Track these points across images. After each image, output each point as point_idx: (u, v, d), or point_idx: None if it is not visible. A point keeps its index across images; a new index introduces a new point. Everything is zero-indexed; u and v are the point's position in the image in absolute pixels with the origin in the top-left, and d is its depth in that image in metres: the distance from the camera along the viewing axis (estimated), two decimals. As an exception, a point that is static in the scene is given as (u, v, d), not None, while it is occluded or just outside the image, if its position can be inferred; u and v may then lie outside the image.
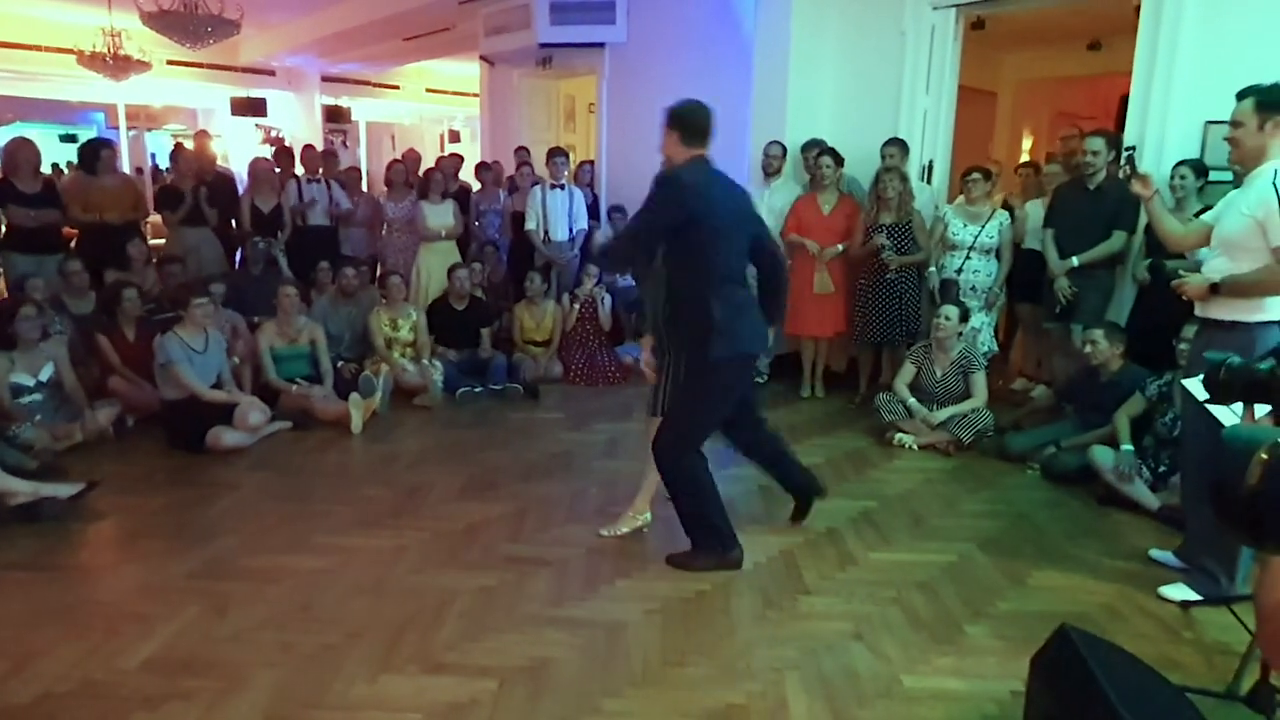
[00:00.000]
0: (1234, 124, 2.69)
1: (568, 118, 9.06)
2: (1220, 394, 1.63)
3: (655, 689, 2.38)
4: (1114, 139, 4.56)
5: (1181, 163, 4.21)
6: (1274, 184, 2.59)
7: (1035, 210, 5.10)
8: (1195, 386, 2.35)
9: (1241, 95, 2.69)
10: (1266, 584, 1.07)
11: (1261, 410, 1.70)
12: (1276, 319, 2.69)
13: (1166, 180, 4.19)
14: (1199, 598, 2.84)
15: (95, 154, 5.81)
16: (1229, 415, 2.17)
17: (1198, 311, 2.89)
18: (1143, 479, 3.66)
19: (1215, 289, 2.72)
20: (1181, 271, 2.98)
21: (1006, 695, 2.33)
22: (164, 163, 11.11)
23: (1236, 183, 2.94)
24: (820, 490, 3.49)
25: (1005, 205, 5.56)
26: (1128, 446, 3.70)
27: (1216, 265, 2.78)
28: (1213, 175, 4.16)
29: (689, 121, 2.90)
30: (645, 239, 2.93)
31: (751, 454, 3.43)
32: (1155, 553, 3.19)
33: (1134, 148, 4.30)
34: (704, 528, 3.07)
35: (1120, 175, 4.39)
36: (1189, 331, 3.25)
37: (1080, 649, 1.87)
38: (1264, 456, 0.94)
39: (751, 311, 2.99)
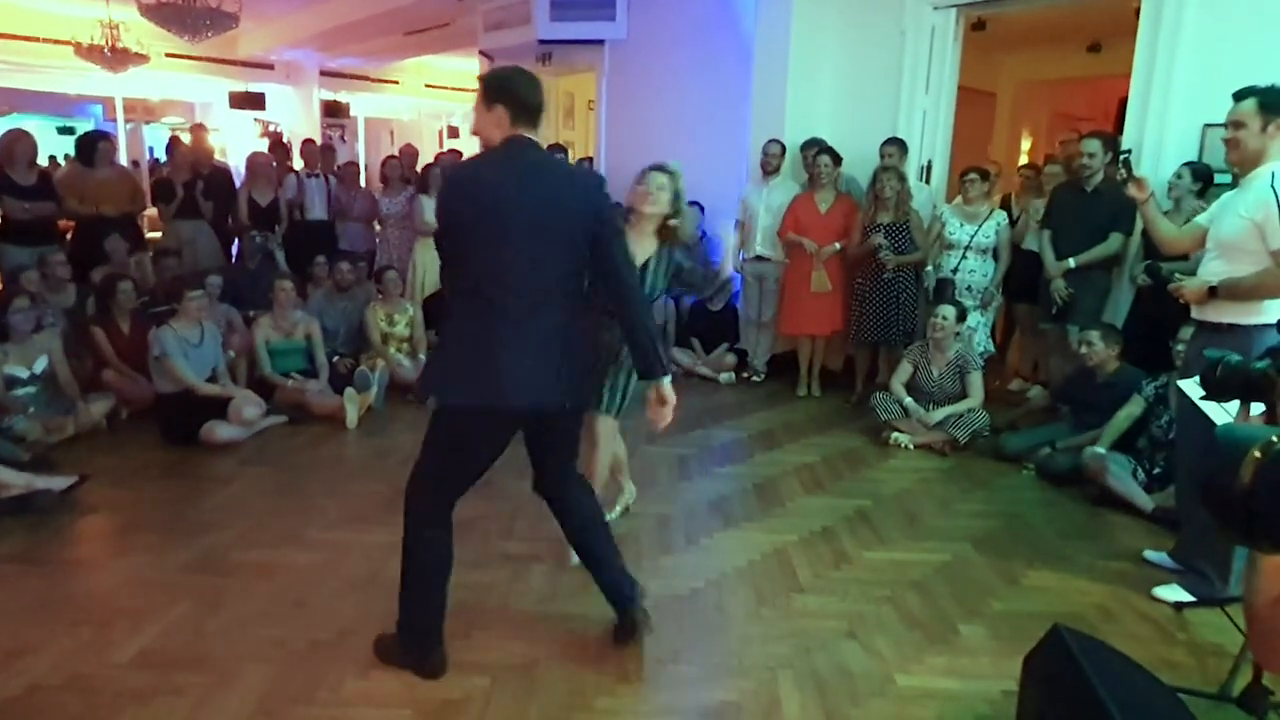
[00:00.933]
0: (1235, 124, 2.66)
1: (567, 114, 9.04)
2: (1215, 391, 1.63)
3: (648, 687, 2.38)
4: (1111, 141, 4.56)
5: (1184, 164, 4.21)
6: (1273, 186, 2.57)
7: (1037, 210, 5.10)
8: (1191, 387, 2.35)
9: (1240, 95, 2.66)
10: (1256, 585, 1.06)
11: (1256, 409, 1.70)
12: (1273, 321, 2.68)
13: (1166, 183, 4.19)
14: (1192, 599, 2.84)
15: (93, 146, 5.80)
16: (1222, 414, 2.17)
17: (1194, 314, 2.88)
18: (1137, 480, 3.67)
19: (1213, 292, 2.70)
20: (1178, 275, 2.97)
21: (999, 695, 2.33)
22: (162, 156, 11.08)
23: (1233, 184, 2.93)
24: (633, 609, 2.45)
25: (1005, 205, 5.55)
26: (1099, 449, 3.73)
27: (1214, 268, 2.77)
28: (1217, 179, 4.15)
29: (521, 95, 2.24)
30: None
31: (562, 519, 2.59)
32: (1149, 554, 3.19)
33: (1130, 150, 4.30)
34: (408, 609, 2.34)
35: (1117, 178, 4.39)
36: (1186, 334, 3.25)
37: (1073, 649, 1.86)
38: (1257, 455, 0.94)
39: (526, 350, 2.17)
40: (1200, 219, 3.00)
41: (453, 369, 2.21)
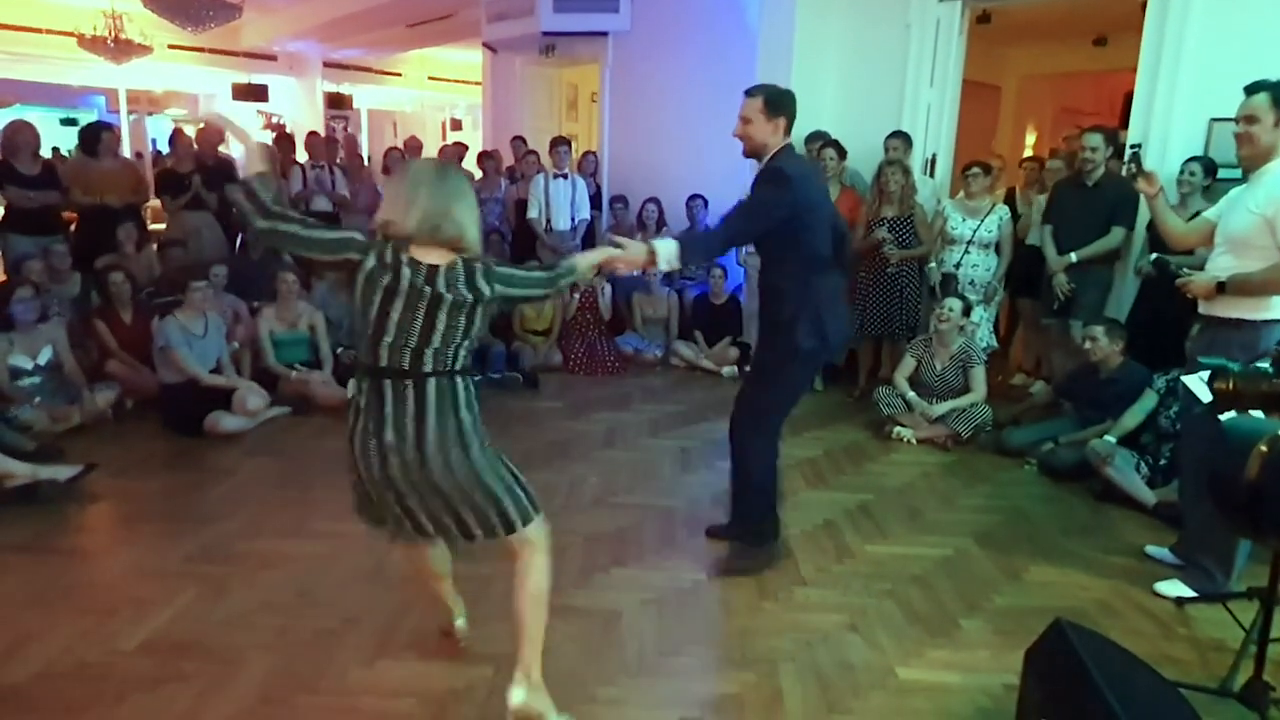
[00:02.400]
0: (1247, 119, 2.63)
1: (570, 106, 9.03)
2: (1232, 404, 1.60)
3: (650, 678, 2.39)
4: (1112, 135, 4.55)
5: (1192, 159, 4.20)
6: None
7: (1039, 205, 5.09)
8: (1195, 384, 2.35)
9: (1252, 90, 2.63)
10: None
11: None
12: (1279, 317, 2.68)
13: (1174, 177, 4.18)
14: (1194, 594, 2.84)
15: (96, 137, 5.79)
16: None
17: (1201, 309, 2.87)
18: (1141, 475, 3.67)
19: (1222, 287, 2.69)
20: (1185, 270, 2.96)
21: (1000, 688, 2.34)
22: (164, 148, 11.06)
23: (1241, 179, 2.91)
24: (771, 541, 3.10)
25: (1010, 199, 5.54)
26: (1110, 439, 3.75)
27: (1222, 263, 2.76)
28: (1221, 174, 4.14)
29: (788, 107, 2.85)
30: (748, 233, 2.91)
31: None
32: (1151, 549, 3.19)
33: (1139, 146, 4.29)
34: (747, 514, 3.03)
35: (1125, 173, 4.37)
36: (1196, 330, 3.23)
37: (1074, 644, 1.87)
38: (1264, 449, 0.94)
39: (838, 303, 2.96)
40: (1208, 214, 2.99)
41: (813, 323, 2.80)
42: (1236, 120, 2.70)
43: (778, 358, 2.91)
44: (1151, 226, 4.31)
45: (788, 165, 2.79)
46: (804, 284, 2.80)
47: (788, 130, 2.86)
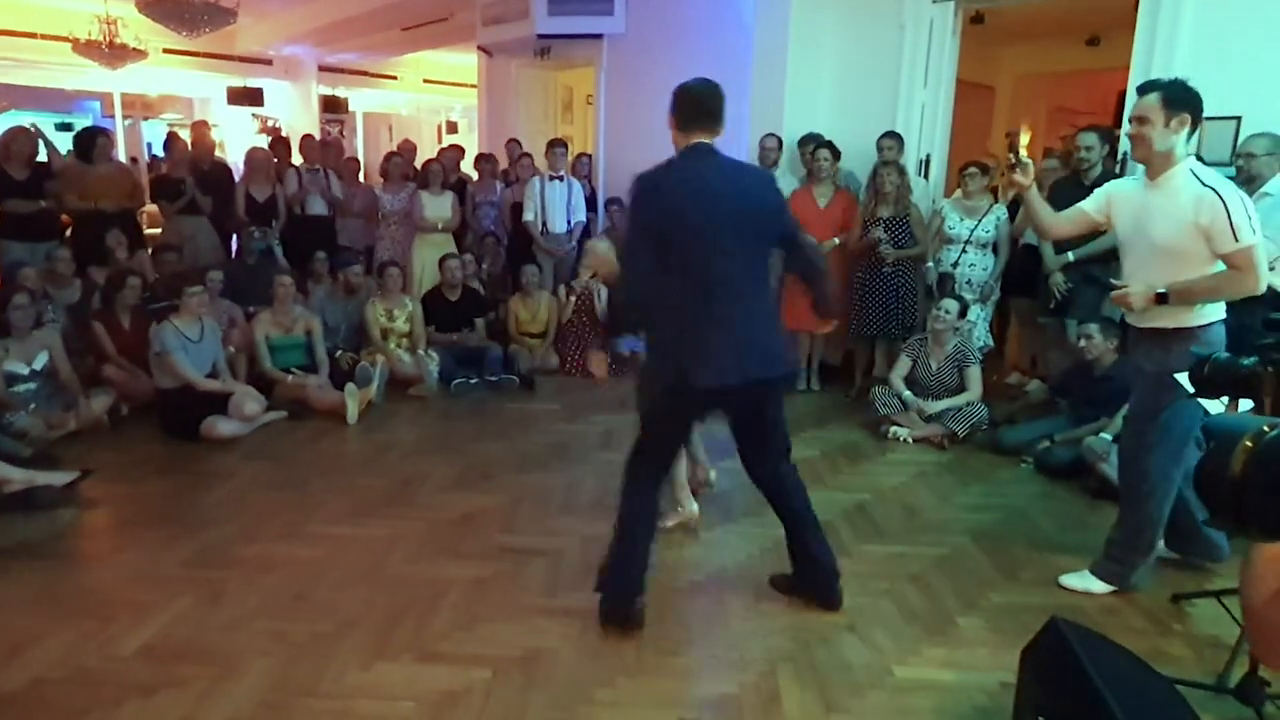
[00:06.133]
0: (1139, 120, 2.56)
1: (565, 109, 9.03)
2: (1204, 388, 1.64)
3: (648, 679, 2.39)
4: (1107, 134, 4.56)
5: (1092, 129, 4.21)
6: (1211, 186, 2.47)
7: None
8: (1182, 379, 2.36)
9: (1144, 89, 2.58)
10: (1251, 578, 1.07)
11: (1246, 403, 1.71)
12: (1219, 319, 2.61)
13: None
14: (1109, 587, 2.86)
15: (91, 142, 5.79)
16: (1214, 405, 2.18)
17: (1132, 321, 2.75)
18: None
19: (1163, 298, 2.56)
20: (1113, 281, 2.84)
21: (997, 686, 2.35)
22: (160, 153, 11.06)
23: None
24: (831, 586, 2.75)
25: (997, 198, 5.54)
26: (1105, 436, 3.78)
27: (1147, 274, 2.64)
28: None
29: (680, 100, 2.56)
30: (632, 262, 2.49)
31: (772, 499, 2.82)
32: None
33: (1016, 132, 4.27)
34: (611, 563, 2.64)
35: (1008, 161, 4.36)
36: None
37: (1071, 641, 1.88)
38: (1248, 444, 0.95)
39: (732, 334, 2.44)
40: (1085, 205, 2.90)
41: (670, 358, 2.48)
42: (1130, 121, 2.63)
43: (643, 392, 2.66)
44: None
45: (646, 175, 2.46)
46: (672, 311, 2.43)
47: (681, 127, 2.55)
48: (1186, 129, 2.52)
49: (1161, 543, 3.12)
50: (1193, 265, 2.54)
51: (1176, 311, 2.59)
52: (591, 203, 6.72)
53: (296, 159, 6.92)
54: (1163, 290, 2.56)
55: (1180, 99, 2.51)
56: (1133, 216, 2.71)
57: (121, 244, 5.43)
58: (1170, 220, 2.56)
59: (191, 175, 6.24)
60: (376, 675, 2.37)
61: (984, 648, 2.58)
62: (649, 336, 2.62)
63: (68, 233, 5.87)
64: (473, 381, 5.33)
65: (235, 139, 11.90)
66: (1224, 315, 2.63)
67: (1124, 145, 4.69)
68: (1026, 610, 2.73)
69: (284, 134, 9.99)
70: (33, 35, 9.67)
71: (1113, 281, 2.83)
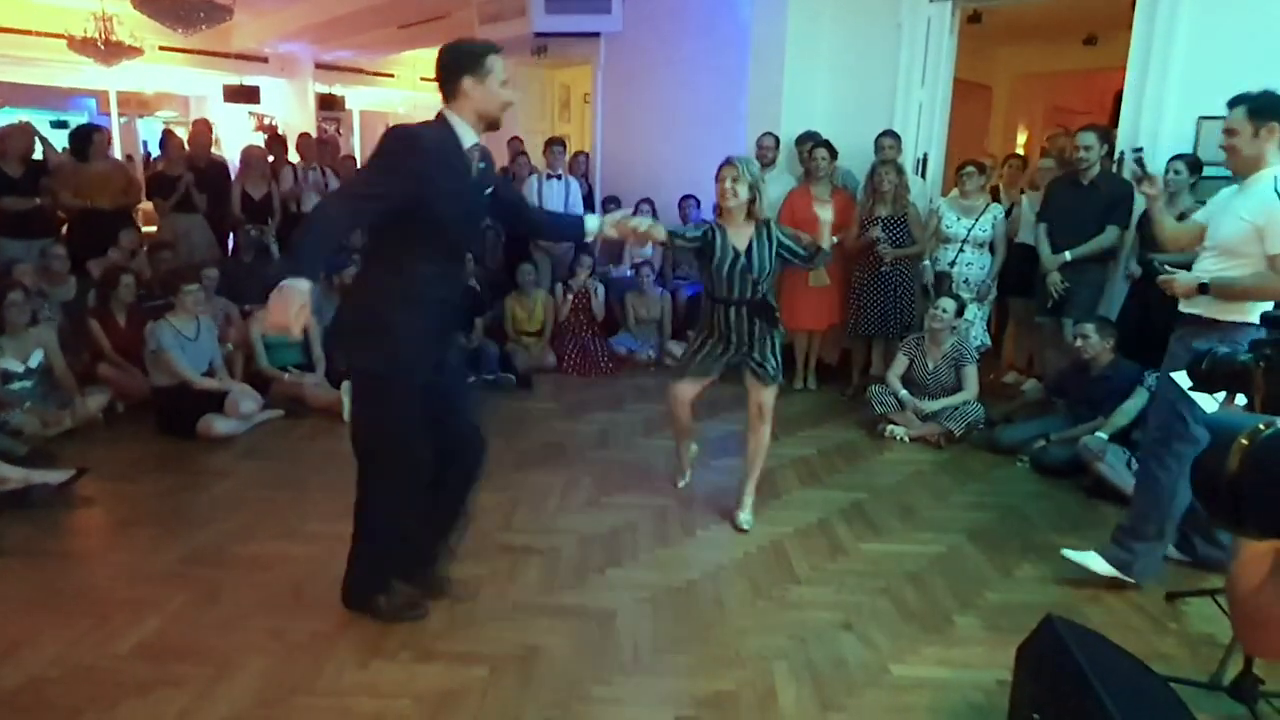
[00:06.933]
0: (1228, 132, 2.69)
1: (563, 107, 9.03)
2: (1203, 382, 1.65)
3: (645, 677, 2.39)
4: (1106, 134, 4.58)
5: (1176, 157, 4.22)
6: (1276, 190, 2.58)
7: (1030, 204, 5.11)
8: (1182, 379, 2.36)
9: (1233, 104, 2.69)
10: (1238, 572, 1.08)
11: (1242, 399, 1.71)
12: (1255, 320, 2.68)
13: (1160, 176, 4.20)
14: (1112, 571, 2.89)
15: (87, 139, 5.77)
16: (1210, 403, 2.18)
17: (1181, 307, 2.88)
18: (1132, 471, 3.69)
19: (1204, 288, 2.71)
20: (1168, 267, 2.98)
21: (993, 684, 2.35)
22: (155, 150, 11.03)
23: (1231, 179, 2.94)
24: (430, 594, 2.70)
25: (995, 198, 5.56)
26: (1101, 435, 3.79)
27: (1207, 266, 2.77)
28: (1207, 170, 4.17)
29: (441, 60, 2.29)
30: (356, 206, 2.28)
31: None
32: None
33: (1142, 149, 4.33)
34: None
35: (1130, 176, 4.40)
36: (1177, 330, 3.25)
37: (1066, 639, 1.88)
38: (1244, 442, 0.95)
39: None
40: (1198, 216, 3.01)
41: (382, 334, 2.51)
42: (1221, 133, 2.75)
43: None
44: (1141, 226, 4.35)
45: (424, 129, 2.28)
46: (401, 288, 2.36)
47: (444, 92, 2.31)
48: (1276, 136, 2.60)
49: (1172, 545, 3.14)
50: (1245, 264, 2.65)
51: (1220, 304, 2.69)
52: (589, 201, 6.72)
53: (293, 157, 6.91)
54: (1205, 281, 2.69)
55: (1266, 109, 2.60)
56: (1214, 213, 2.84)
57: (133, 244, 5.43)
58: (1236, 219, 2.67)
59: (188, 172, 6.23)
60: (374, 673, 2.36)
61: (980, 646, 2.59)
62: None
63: (63, 230, 5.86)
64: (470, 380, 5.32)
65: (231, 137, 11.87)
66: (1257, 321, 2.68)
67: (1120, 144, 4.72)
68: (1022, 608, 2.74)
69: (280, 132, 9.97)
70: (28, 32, 9.63)
71: (1166, 266, 2.92)
